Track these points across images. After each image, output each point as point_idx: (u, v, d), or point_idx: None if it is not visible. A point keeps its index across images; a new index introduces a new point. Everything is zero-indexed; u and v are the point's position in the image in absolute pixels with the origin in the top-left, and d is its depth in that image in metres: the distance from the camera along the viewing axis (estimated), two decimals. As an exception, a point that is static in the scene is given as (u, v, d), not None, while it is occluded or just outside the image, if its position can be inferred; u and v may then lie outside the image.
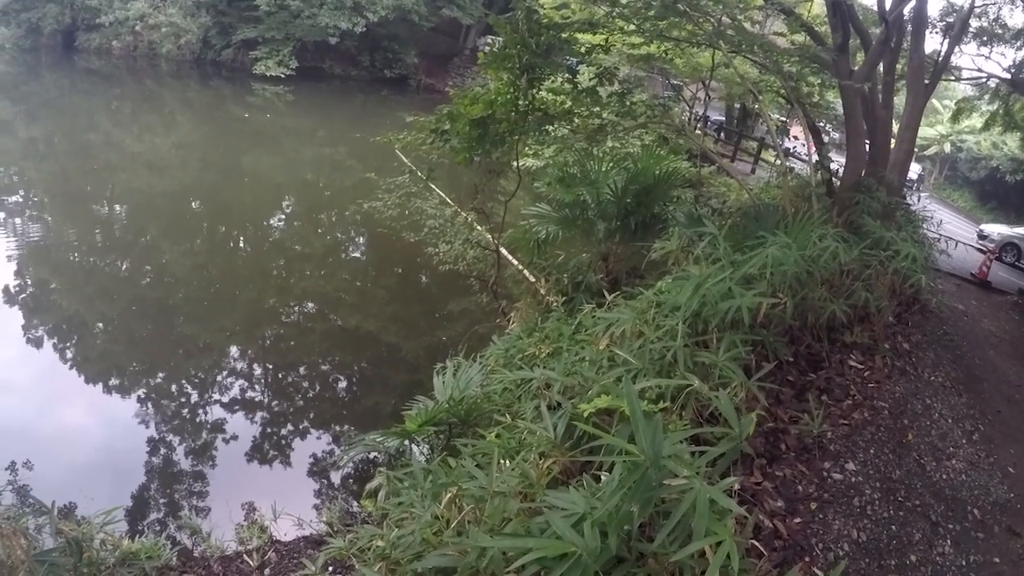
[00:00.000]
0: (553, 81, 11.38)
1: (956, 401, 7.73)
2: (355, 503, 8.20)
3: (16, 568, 4.39)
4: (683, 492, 2.91)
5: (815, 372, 6.86)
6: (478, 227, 13.64)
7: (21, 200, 21.76)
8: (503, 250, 12.25)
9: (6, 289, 14.57)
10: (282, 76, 44.60)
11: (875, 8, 11.43)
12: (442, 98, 33.69)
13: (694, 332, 5.26)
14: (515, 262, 12.68)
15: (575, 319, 7.49)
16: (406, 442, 7.04)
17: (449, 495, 4.23)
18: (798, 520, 4.70)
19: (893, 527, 5.06)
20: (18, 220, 19.75)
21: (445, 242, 13.71)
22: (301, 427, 11.35)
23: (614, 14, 11.14)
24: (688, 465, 3.05)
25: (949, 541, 5.19)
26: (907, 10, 11.59)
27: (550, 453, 4.30)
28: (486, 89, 11.24)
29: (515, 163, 11.85)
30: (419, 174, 13.13)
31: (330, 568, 5.58)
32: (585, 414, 3.92)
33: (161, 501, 9.21)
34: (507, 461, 4.48)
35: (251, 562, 6.21)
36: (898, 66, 13.05)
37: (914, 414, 6.96)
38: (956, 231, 19.47)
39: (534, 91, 10.63)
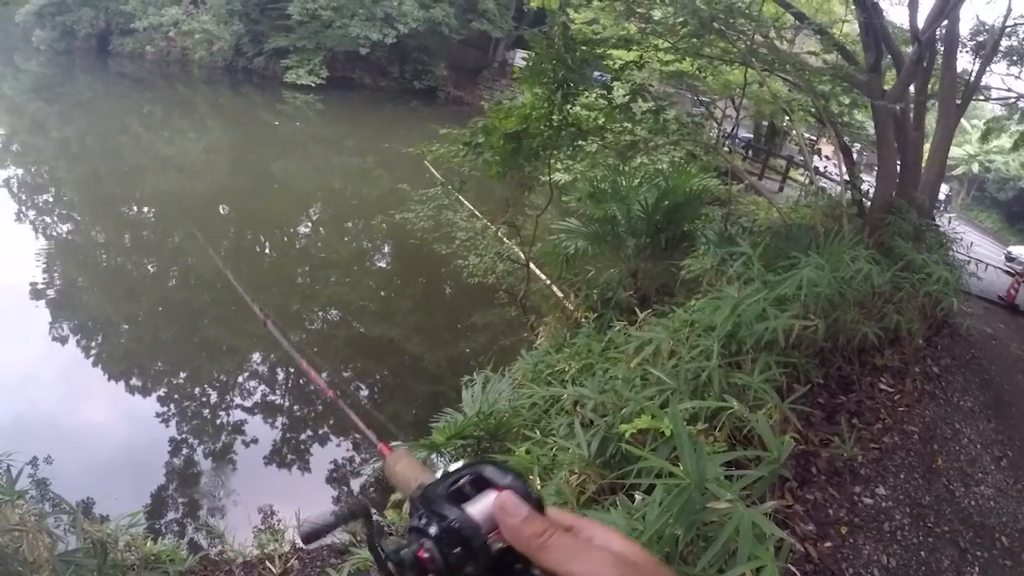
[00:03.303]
0: (587, 96, 11.40)
1: (985, 426, 7.70)
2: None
3: (41, 567, 4.41)
4: (725, 516, 2.93)
5: (845, 395, 6.86)
6: (507, 241, 13.67)
7: (52, 199, 22.04)
8: (532, 264, 12.27)
9: (34, 285, 14.73)
10: (312, 85, 44.80)
11: (907, 28, 11.40)
12: (470, 110, 33.82)
13: (728, 352, 5.27)
14: (543, 277, 12.69)
15: (605, 336, 7.49)
16: (433, 456, 7.06)
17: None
18: (829, 544, 4.70)
19: (922, 553, 5.05)
20: (48, 218, 20.00)
21: (476, 255, 13.74)
22: (321, 433, 11.36)
23: (648, 31, 11.17)
24: (728, 488, 3.07)
25: (977, 568, 5.17)
26: (939, 30, 11.57)
27: (583, 471, 4.32)
28: (520, 103, 11.29)
29: (546, 178, 11.89)
30: (449, 187, 13.19)
31: (354, 579, 5.60)
32: (626, 434, 3.94)
33: (180, 502, 9.25)
34: (537, 478, 4.50)
35: (273, 569, 6.24)
36: (930, 86, 13.02)
37: (943, 439, 6.95)
38: (984, 253, 19.37)
39: (568, 106, 10.65)
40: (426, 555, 0.87)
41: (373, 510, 1.04)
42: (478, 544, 0.85)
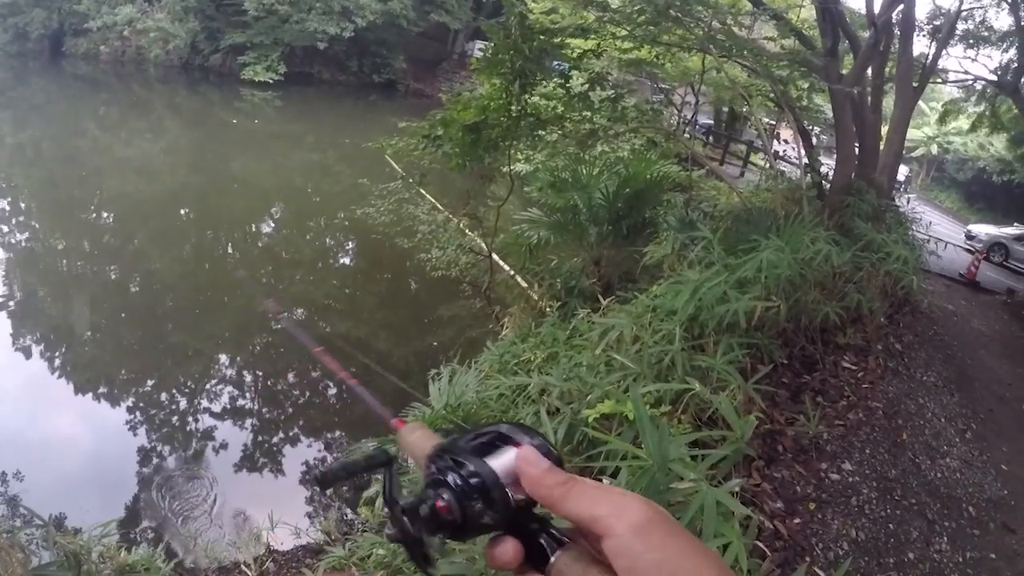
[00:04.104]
0: (545, 86, 11.39)
1: (948, 400, 7.81)
2: (351, 511, 8.16)
3: None
4: (689, 495, 2.93)
5: (809, 374, 6.92)
6: (470, 233, 13.64)
7: (8, 207, 21.65)
8: (495, 256, 12.26)
9: (-8, 297, 14.48)
10: (270, 81, 44.32)
11: (864, 12, 11.50)
12: (430, 103, 33.62)
13: (691, 336, 5.29)
14: (507, 267, 12.68)
15: (570, 324, 7.50)
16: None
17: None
18: (798, 520, 4.74)
19: (891, 525, 5.11)
20: (5, 227, 19.66)
21: (438, 248, 13.69)
22: (292, 434, 11.25)
23: (605, 19, 11.18)
24: (693, 468, 3.08)
25: (946, 538, 5.24)
26: (895, 14, 11.68)
27: (550, 458, 4.31)
28: (478, 94, 11.26)
29: (507, 168, 11.87)
30: (410, 180, 13.13)
31: (329, 577, 5.57)
32: (589, 419, 3.94)
33: (152, 511, 9.09)
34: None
35: (249, 573, 6.18)
36: (886, 69, 13.14)
37: (908, 414, 7.03)
38: (944, 232, 19.60)
39: (527, 96, 10.64)
40: (443, 504, 0.85)
41: (396, 460, 1.03)
42: (498, 494, 0.83)
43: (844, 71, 11.16)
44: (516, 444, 0.88)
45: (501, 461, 0.86)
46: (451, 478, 0.85)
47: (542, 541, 0.83)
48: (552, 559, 0.81)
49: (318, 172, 29.37)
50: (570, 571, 0.79)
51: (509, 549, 0.82)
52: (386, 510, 0.94)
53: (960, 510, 5.67)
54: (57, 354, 13.03)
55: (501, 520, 0.84)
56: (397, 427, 1.18)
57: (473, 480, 0.84)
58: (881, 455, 5.99)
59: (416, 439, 1.10)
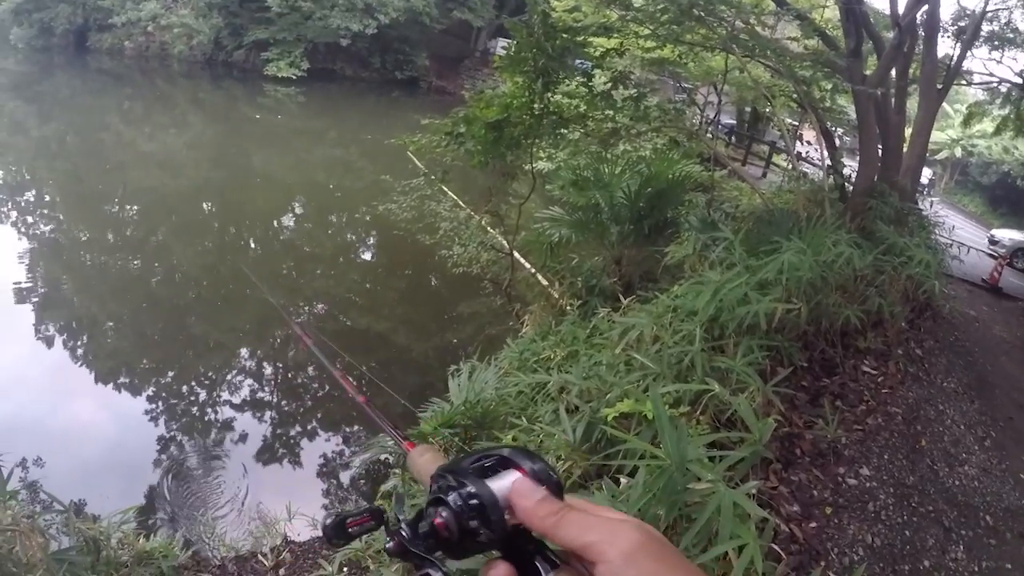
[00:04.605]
0: (568, 84, 11.39)
1: (968, 407, 7.75)
2: (366, 504, 8.17)
3: (35, 567, 4.39)
4: (706, 496, 2.95)
5: (829, 377, 6.89)
6: (491, 230, 13.67)
7: (33, 198, 21.88)
8: (516, 253, 12.28)
9: (17, 286, 14.64)
10: (293, 77, 44.59)
11: (888, 13, 11.43)
12: (452, 100, 33.75)
13: (711, 337, 5.29)
14: (528, 265, 12.70)
15: (590, 323, 7.51)
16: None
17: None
18: (814, 525, 4.73)
19: (907, 532, 5.09)
20: (30, 218, 19.87)
21: (460, 244, 13.74)
22: (310, 427, 11.33)
23: (628, 18, 11.17)
24: (710, 469, 3.09)
25: (962, 547, 5.21)
26: (920, 15, 11.60)
27: (568, 456, 4.34)
28: (501, 92, 11.27)
29: (529, 166, 11.89)
30: (432, 177, 13.16)
31: (345, 569, 5.60)
32: (608, 417, 3.95)
33: (171, 499, 9.15)
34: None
35: (266, 562, 6.23)
36: (910, 70, 13.06)
37: (927, 420, 6.99)
38: (967, 236, 19.46)
39: (549, 94, 10.64)
40: (440, 521, 0.88)
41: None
42: (495, 515, 0.85)
43: (868, 72, 11.10)
44: (519, 468, 0.90)
45: (500, 484, 0.88)
46: (451, 497, 0.88)
47: (537, 563, 0.84)
48: None
49: (340, 168, 29.47)
50: None
51: (502, 573, 0.84)
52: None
53: (977, 519, 5.64)
54: (79, 343, 13.19)
55: (497, 540, 0.86)
56: (408, 449, 1.22)
57: (472, 500, 0.86)
58: (899, 461, 5.96)
59: (424, 461, 1.13)
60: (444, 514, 0.88)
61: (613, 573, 0.74)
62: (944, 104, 12.77)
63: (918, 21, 11.76)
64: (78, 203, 21.61)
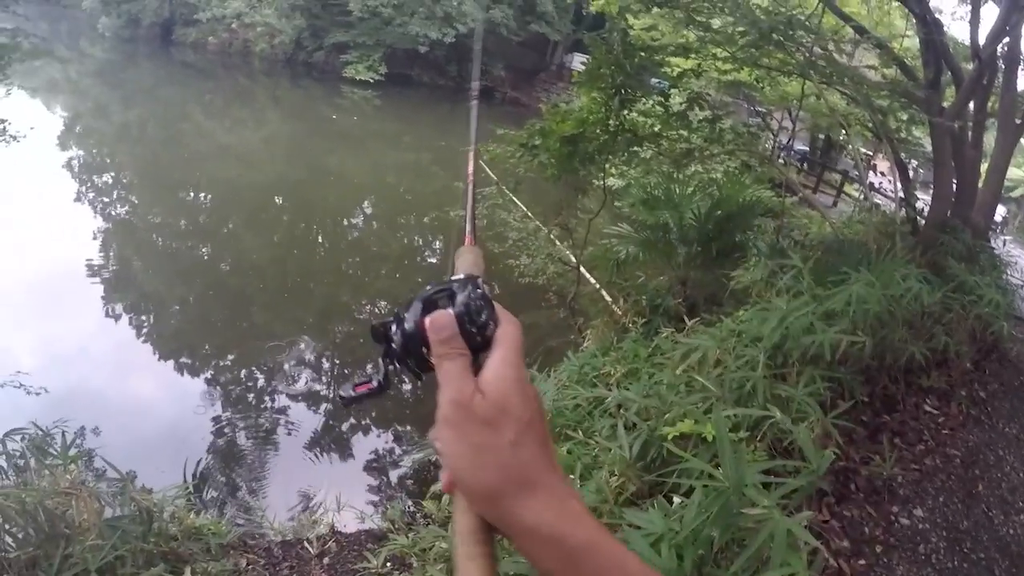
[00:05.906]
0: (644, 103, 11.44)
1: (1029, 455, 7.62)
2: (410, 503, 8.28)
3: (88, 530, 4.56)
4: (760, 521, 3.00)
5: (889, 414, 6.83)
6: (559, 243, 13.76)
7: (111, 181, 22.59)
8: (582, 268, 12.35)
9: (90, 263, 15.18)
10: (371, 81, 45.33)
11: (968, 44, 11.28)
12: (527, 112, 33.87)
13: (774, 364, 5.31)
14: (593, 280, 12.75)
15: (652, 342, 7.55)
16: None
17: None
18: (863, 562, 4.72)
19: (956, 578, 5.06)
20: (107, 199, 20.53)
21: (527, 255, 13.86)
22: (363, 423, 11.51)
23: (706, 39, 11.18)
24: (766, 496, 3.14)
25: (1010, 598, 5.16)
26: (1000, 47, 11.42)
27: (623, 472, 4.40)
28: (577, 107, 11.36)
29: (600, 182, 11.95)
30: (504, 187, 13.29)
31: (389, 564, 5.72)
32: (668, 436, 4.02)
33: (222, 480, 9.42)
34: (578, 478, 4.57)
35: (311, 550, 6.35)
36: (989, 104, 12.84)
37: (986, 465, 6.89)
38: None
39: (625, 112, 10.71)
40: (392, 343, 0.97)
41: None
42: (415, 348, 0.93)
43: (946, 104, 10.96)
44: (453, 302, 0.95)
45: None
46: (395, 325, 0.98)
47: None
48: None
49: (412, 172, 29.75)
50: None
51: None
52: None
53: (1028, 570, 5.57)
54: (145, 322, 13.63)
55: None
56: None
57: (406, 327, 0.95)
58: (954, 504, 5.90)
59: (463, 261, 1.17)
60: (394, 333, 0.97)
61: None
62: (1021, 140, 12.46)
63: (999, 53, 11.57)
64: (154, 188, 22.26)
